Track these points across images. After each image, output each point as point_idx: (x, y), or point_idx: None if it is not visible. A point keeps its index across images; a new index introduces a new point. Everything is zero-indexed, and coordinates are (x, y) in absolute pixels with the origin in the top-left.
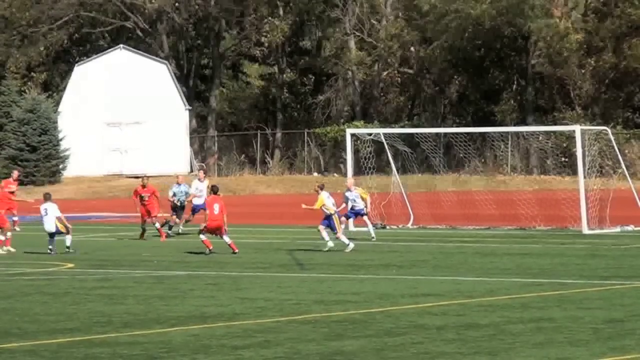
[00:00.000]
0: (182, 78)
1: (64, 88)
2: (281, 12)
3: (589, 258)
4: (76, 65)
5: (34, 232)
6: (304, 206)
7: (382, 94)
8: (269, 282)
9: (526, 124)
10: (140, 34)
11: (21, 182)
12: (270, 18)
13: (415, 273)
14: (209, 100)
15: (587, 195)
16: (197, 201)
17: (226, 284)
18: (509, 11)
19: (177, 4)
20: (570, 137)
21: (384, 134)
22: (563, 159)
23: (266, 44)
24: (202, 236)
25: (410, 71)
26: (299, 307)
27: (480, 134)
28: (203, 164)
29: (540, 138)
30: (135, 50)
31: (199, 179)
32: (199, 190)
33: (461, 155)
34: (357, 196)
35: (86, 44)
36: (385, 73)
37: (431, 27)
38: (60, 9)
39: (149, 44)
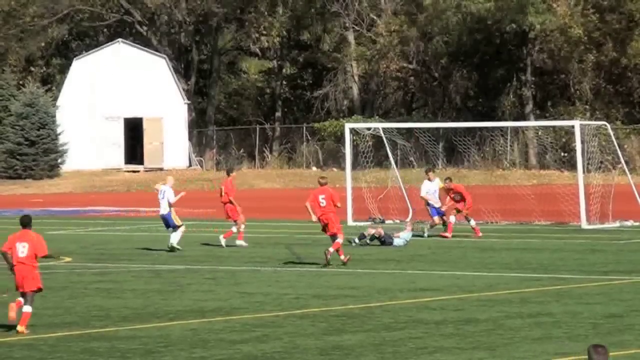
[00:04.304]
0: (181, 72)
1: (63, 82)
2: (280, 11)
3: (588, 253)
4: (75, 59)
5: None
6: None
7: (381, 89)
8: (267, 276)
9: (526, 119)
10: (139, 28)
11: (20, 176)
12: (269, 17)
13: (414, 267)
14: (208, 95)
15: (587, 190)
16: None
17: (225, 279)
18: (509, 7)
19: None
20: (570, 132)
21: (383, 129)
22: (562, 153)
23: (265, 43)
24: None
25: (410, 66)
26: (297, 302)
27: (480, 128)
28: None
29: (540, 133)
30: (134, 44)
31: (429, 179)
32: (430, 192)
33: (460, 149)
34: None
35: (85, 38)
36: (384, 67)
37: (431, 22)
38: (62, 3)
39: (148, 38)
